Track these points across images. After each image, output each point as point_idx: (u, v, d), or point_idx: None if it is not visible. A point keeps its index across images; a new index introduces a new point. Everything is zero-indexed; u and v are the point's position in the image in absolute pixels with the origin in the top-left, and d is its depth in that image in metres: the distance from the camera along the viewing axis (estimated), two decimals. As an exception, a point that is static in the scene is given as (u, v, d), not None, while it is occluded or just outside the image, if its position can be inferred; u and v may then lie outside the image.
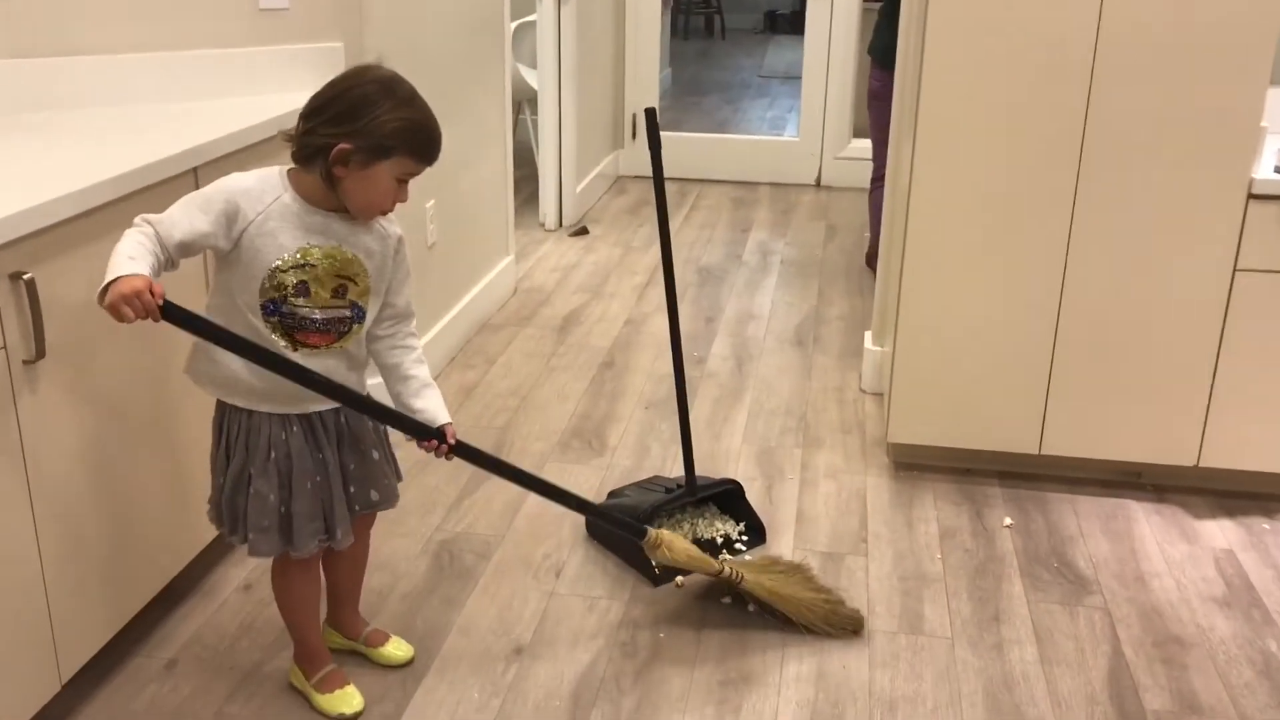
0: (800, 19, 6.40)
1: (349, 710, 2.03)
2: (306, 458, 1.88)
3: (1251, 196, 2.56)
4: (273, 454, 1.86)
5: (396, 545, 2.58)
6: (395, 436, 2.03)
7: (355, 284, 1.84)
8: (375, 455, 1.99)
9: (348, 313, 1.84)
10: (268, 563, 2.46)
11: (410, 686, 2.13)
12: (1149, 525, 2.70)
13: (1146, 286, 2.67)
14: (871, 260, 4.41)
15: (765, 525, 2.65)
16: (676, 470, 2.75)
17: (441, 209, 3.46)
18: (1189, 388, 2.72)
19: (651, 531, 2.22)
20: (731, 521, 2.64)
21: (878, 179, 4.21)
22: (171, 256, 1.75)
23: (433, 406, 1.94)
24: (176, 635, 2.26)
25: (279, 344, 1.81)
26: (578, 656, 2.23)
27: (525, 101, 5.68)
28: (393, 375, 1.95)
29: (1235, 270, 2.62)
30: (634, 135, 6.00)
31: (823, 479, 2.92)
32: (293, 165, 1.81)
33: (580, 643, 2.27)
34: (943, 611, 2.38)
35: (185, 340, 1.84)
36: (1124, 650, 2.26)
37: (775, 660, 2.22)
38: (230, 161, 2.33)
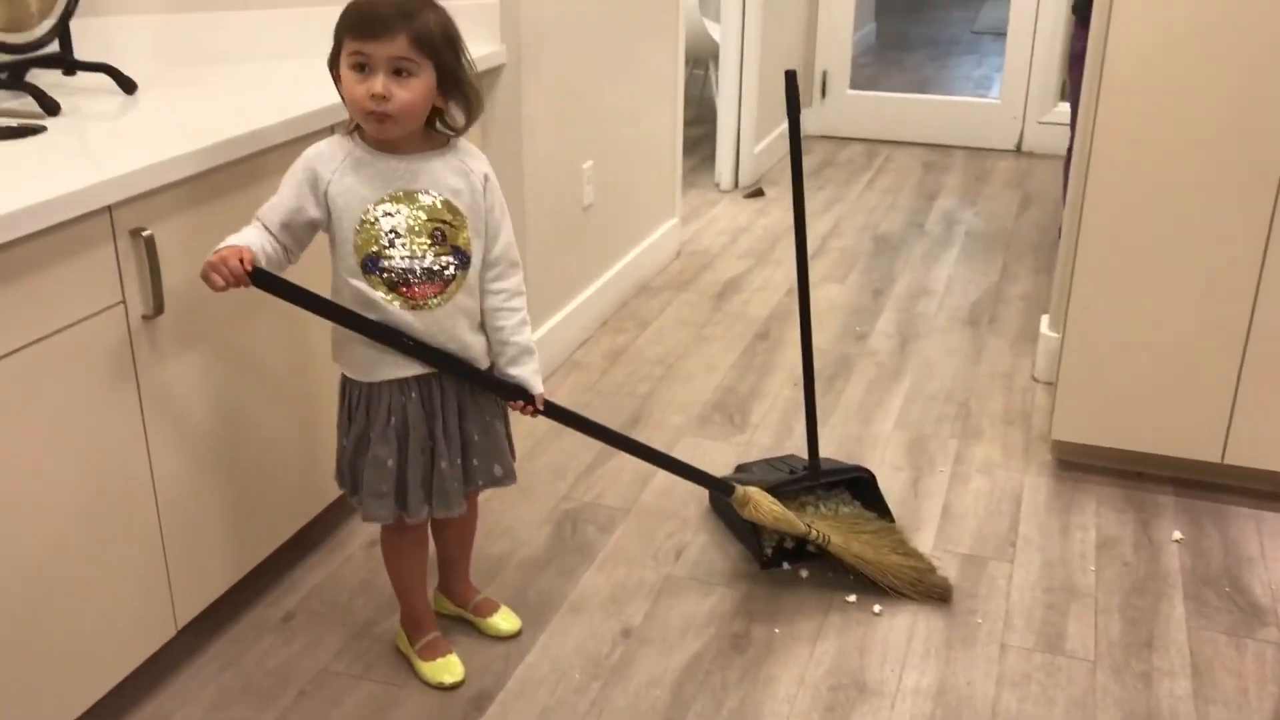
0: (1013, -29, 5.99)
1: (449, 679, 2.02)
2: (422, 425, 1.85)
3: None
4: (391, 419, 1.84)
5: (521, 512, 2.56)
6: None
7: (452, 227, 1.78)
8: (499, 427, 1.96)
9: (450, 259, 1.79)
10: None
11: (513, 660, 2.11)
12: (1346, 552, 2.41)
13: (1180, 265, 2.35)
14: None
15: (904, 520, 2.49)
16: (821, 451, 2.62)
17: (600, 169, 3.40)
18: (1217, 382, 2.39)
19: (739, 489, 2.22)
20: (862, 509, 2.49)
21: (1072, 148, 3.90)
22: (283, 243, 1.79)
23: (526, 374, 1.90)
24: (299, 587, 2.31)
25: (389, 303, 1.78)
26: (686, 645, 2.15)
27: (710, 59, 5.56)
28: (494, 339, 1.90)
29: None
30: (823, 94, 5.79)
31: (976, 474, 2.73)
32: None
33: (691, 630, 2.19)
34: (1088, 630, 2.18)
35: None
36: None
37: (894, 669, 2.08)
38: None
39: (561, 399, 3.01)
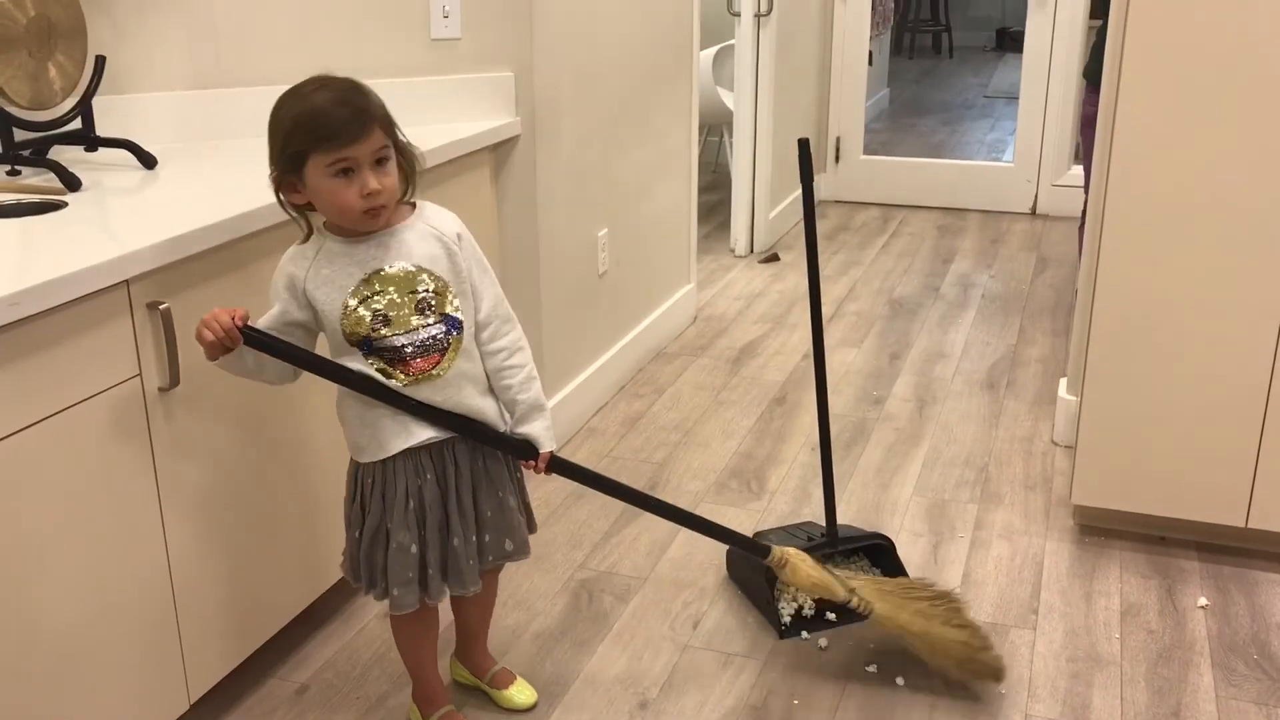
0: (1022, 37, 6.05)
1: None
2: (439, 505, 1.83)
3: None
4: (410, 504, 1.81)
5: (537, 581, 2.54)
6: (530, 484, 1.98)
7: (436, 295, 1.75)
8: (512, 502, 1.92)
9: (441, 327, 1.76)
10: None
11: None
12: (1377, 618, 2.36)
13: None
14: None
15: (924, 587, 2.46)
16: (839, 517, 2.59)
17: (615, 237, 3.42)
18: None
19: (775, 549, 2.14)
20: (881, 577, 2.46)
21: (1086, 210, 3.91)
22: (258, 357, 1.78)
23: (536, 430, 1.86)
24: (312, 659, 2.29)
25: (393, 382, 1.76)
26: (704, 717, 2.12)
27: (725, 126, 5.62)
28: (504, 400, 1.87)
29: None
30: (837, 159, 5.83)
31: (996, 539, 2.70)
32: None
33: (709, 703, 2.16)
34: (1114, 700, 2.13)
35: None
36: None
37: (916, 740, 2.04)
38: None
39: (577, 466, 3.01)
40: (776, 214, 5.11)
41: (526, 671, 2.22)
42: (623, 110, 3.43)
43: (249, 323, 1.72)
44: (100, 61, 2.40)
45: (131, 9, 2.57)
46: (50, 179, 2.19)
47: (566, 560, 2.63)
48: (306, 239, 1.76)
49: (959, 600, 2.23)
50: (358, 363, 1.76)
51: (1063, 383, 3.22)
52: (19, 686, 1.65)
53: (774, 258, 4.91)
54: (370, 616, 2.42)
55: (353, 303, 1.72)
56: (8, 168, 2.24)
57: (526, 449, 1.86)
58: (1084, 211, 4.03)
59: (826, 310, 4.25)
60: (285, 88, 2.68)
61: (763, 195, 4.93)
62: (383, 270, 1.73)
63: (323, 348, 1.84)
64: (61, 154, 2.32)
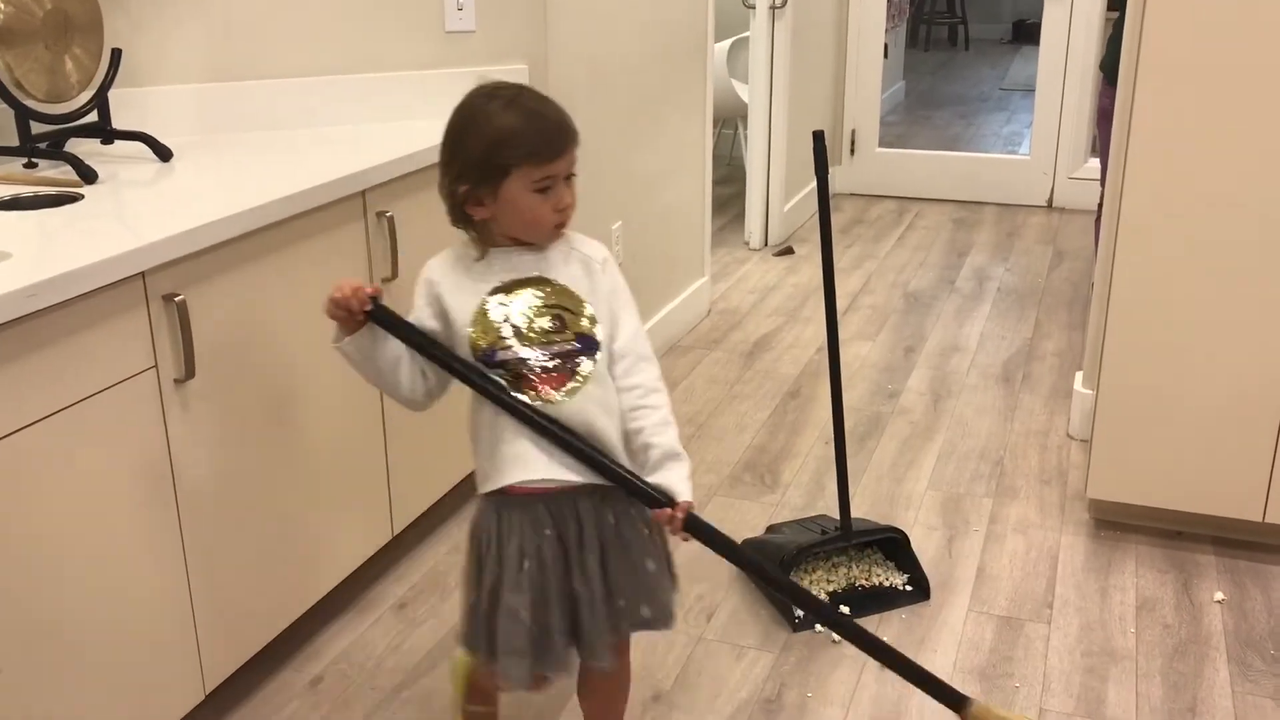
0: (1040, 29, 6.03)
1: None
2: (560, 565, 1.64)
3: None
4: (525, 564, 1.63)
5: (551, 574, 2.54)
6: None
7: (572, 312, 1.62)
8: (650, 566, 1.71)
9: (575, 344, 1.61)
10: (426, 580, 2.50)
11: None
12: (1395, 613, 2.34)
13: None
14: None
15: (939, 581, 2.46)
16: (853, 511, 2.59)
17: (630, 230, 3.42)
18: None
19: (975, 705, 1.80)
20: (895, 571, 2.46)
21: (1103, 203, 3.88)
22: (379, 346, 1.65)
23: (672, 480, 1.61)
24: (326, 651, 2.30)
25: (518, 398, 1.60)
26: (718, 709, 2.12)
27: (740, 119, 5.60)
28: (635, 443, 1.64)
29: None
30: (852, 152, 5.81)
31: (1011, 533, 2.69)
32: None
33: (722, 694, 2.16)
34: (1129, 695, 2.12)
35: (332, 356, 1.85)
36: None
37: (930, 734, 2.04)
38: (401, 185, 2.37)
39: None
40: (791, 207, 5.10)
41: (540, 663, 2.22)
42: (637, 103, 3.42)
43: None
44: (116, 55, 2.40)
45: (148, 2, 2.58)
46: (67, 171, 2.20)
47: (580, 553, 2.63)
48: (482, 256, 1.63)
49: None
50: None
51: (1078, 376, 3.20)
52: (35, 677, 1.66)
53: (788, 251, 4.90)
54: (385, 607, 2.43)
55: (484, 309, 1.61)
56: (25, 160, 2.25)
57: (661, 497, 1.61)
58: (1100, 204, 4.01)
59: (841, 303, 4.24)
60: (298, 79, 2.66)
61: (777, 188, 4.92)
62: (520, 280, 1.62)
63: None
64: (78, 146, 2.32)
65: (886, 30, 5.86)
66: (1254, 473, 2.47)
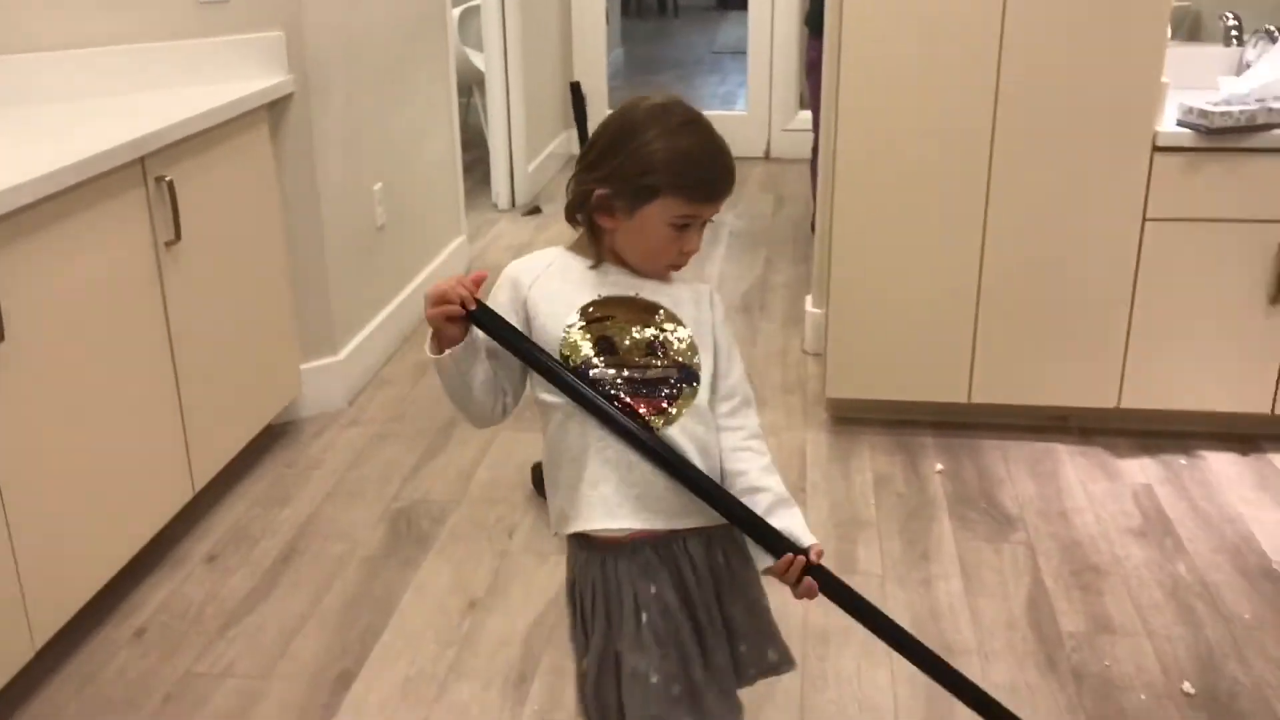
0: (745, -6, 6.49)
1: None
2: (684, 616, 1.46)
3: (1156, 149, 2.70)
4: (643, 616, 1.44)
5: (354, 515, 2.69)
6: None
7: (672, 340, 1.46)
8: (765, 603, 1.55)
9: (674, 373, 1.44)
10: (232, 534, 2.59)
11: (368, 641, 2.24)
12: (1073, 466, 2.84)
13: (1063, 239, 2.80)
14: (815, 228, 4.52)
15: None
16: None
17: (389, 191, 3.55)
18: (1108, 333, 2.86)
19: None
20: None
21: (817, 148, 4.32)
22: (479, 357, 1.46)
23: (792, 526, 1.45)
24: (145, 605, 2.36)
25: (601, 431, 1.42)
26: (530, 608, 2.34)
27: (474, 85, 5.76)
28: (738, 485, 1.46)
29: (1145, 220, 2.76)
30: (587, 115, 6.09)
31: (766, 436, 3.04)
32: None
33: (532, 595, 2.39)
34: (875, 553, 2.51)
35: (102, 338, 1.93)
36: (1044, 580, 2.40)
37: (716, 604, 2.34)
38: (179, 149, 2.43)
39: (372, 415, 3.19)
40: (535, 167, 5.33)
41: (357, 591, 2.39)
42: (387, 68, 3.55)
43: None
44: None
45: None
46: None
47: (380, 494, 2.78)
48: (596, 266, 1.48)
49: None
50: (562, 397, 1.43)
51: (808, 299, 3.61)
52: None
53: (537, 210, 5.13)
54: (195, 562, 2.51)
55: (577, 322, 1.44)
56: None
57: (784, 543, 1.43)
58: (814, 150, 4.47)
59: (591, 254, 4.51)
60: (53, 53, 2.63)
61: (520, 149, 5.13)
62: (623, 298, 1.46)
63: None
64: None
65: (606, -3, 6.16)
66: (958, 362, 2.93)
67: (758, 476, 1.46)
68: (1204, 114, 2.65)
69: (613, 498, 1.42)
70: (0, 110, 2.58)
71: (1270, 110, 2.64)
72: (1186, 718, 2.02)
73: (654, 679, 1.43)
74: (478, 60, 5.33)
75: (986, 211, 2.79)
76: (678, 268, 1.50)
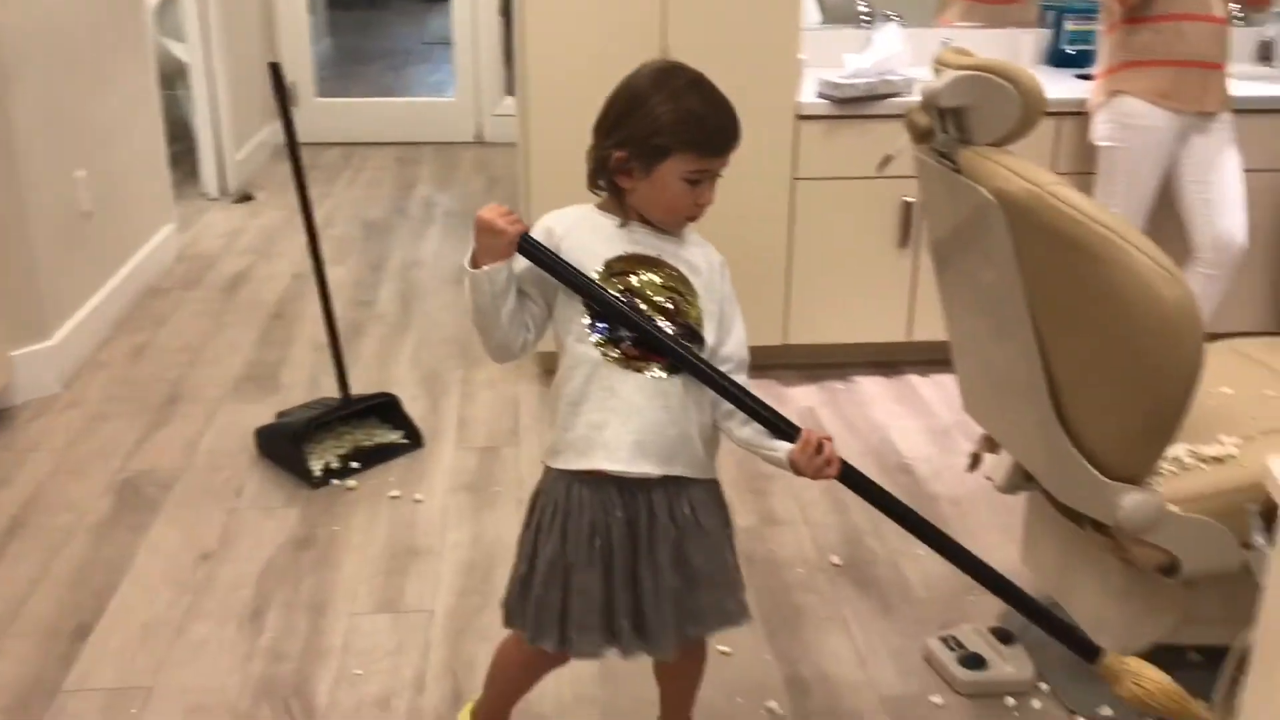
0: (449, -15, 6.69)
1: None
2: (628, 551, 1.62)
3: (799, 118, 3.14)
4: (596, 540, 1.61)
5: (77, 488, 2.75)
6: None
7: (687, 302, 1.60)
8: (729, 559, 1.70)
9: (682, 332, 1.59)
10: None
11: (104, 597, 2.34)
12: (749, 396, 3.25)
13: (729, 199, 3.13)
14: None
15: (429, 432, 3.01)
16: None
17: (95, 179, 3.56)
18: (772, 280, 3.28)
19: (1109, 657, 1.80)
20: (392, 430, 2.98)
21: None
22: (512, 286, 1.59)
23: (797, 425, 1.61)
24: None
25: (608, 360, 1.57)
26: (260, 554, 2.51)
27: (177, 76, 5.70)
28: (736, 417, 1.62)
29: (794, 179, 3.20)
30: (294, 103, 6.12)
31: (482, 390, 3.31)
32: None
33: (262, 543, 2.55)
34: (579, 480, 2.82)
35: None
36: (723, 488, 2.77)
37: (439, 535, 2.58)
38: None
39: (90, 396, 3.23)
40: (243, 156, 5.36)
41: (83, 558, 2.47)
42: (85, 57, 3.56)
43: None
44: None
45: None
46: None
47: (104, 469, 2.85)
48: (624, 224, 1.61)
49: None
50: (586, 345, 1.58)
51: (517, 268, 3.89)
52: None
53: (248, 197, 5.16)
54: (-88, 545, 2.52)
55: (605, 272, 1.58)
56: None
57: (796, 428, 1.60)
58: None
59: (305, 239, 4.61)
60: None
61: (228, 138, 5.15)
62: (644, 255, 1.60)
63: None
64: None
65: (310, -13, 6.22)
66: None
67: (760, 440, 1.61)
68: (835, 86, 3.11)
69: (614, 439, 1.57)
70: None
71: (887, 81, 3.12)
72: (834, 582, 2.43)
73: (598, 596, 1.61)
74: (179, 51, 5.28)
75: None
76: (694, 219, 1.62)
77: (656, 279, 1.59)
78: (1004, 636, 2.18)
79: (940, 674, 2.15)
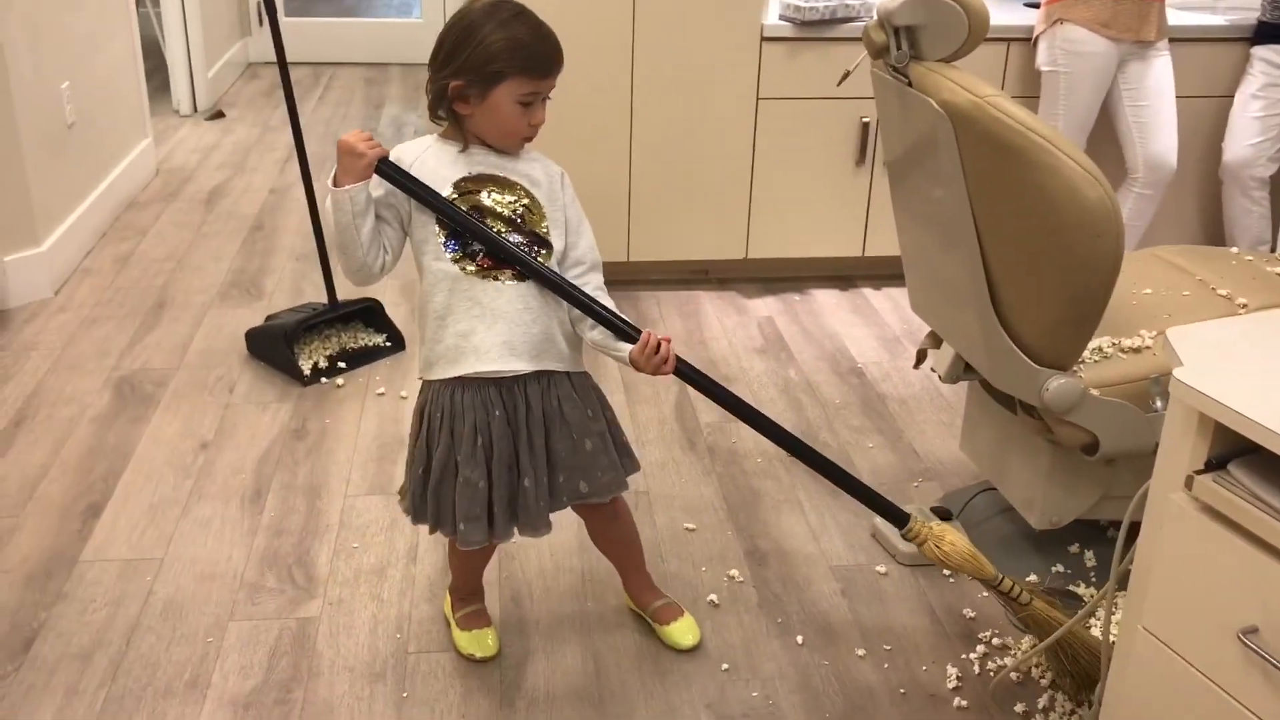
0: (414, -94, 6.70)
1: (480, 653, 2.03)
2: (507, 442, 1.81)
3: (764, 39, 3.29)
4: (479, 439, 1.79)
5: (77, 384, 2.90)
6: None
7: (530, 213, 1.78)
8: (588, 445, 1.86)
9: (530, 241, 1.77)
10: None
11: (110, 481, 2.51)
12: (712, 307, 3.45)
13: (695, 120, 3.35)
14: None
15: (408, 335, 3.17)
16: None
17: (76, 90, 3.65)
18: (735, 196, 3.46)
19: (915, 521, 2.01)
20: (376, 334, 3.14)
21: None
22: (371, 207, 1.75)
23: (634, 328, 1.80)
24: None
25: (465, 273, 1.75)
26: (258, 443, 2.68)
27: (145, -8, 5.73)
28: (590, 336, 1.82)
29: (758, 99, 3.36)
30: (260, 23, 6.17)
31: (457, 300, 3.46)
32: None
33: (258, 434, 2.72)
34: (554, 380, 3.00)
35: None
36: (687, 389, 2.95)
37: (422, 428, 2.77)
38: None
39: (80, 301, 3.36)
40: (214, 73, 5.41)
41: (90, 443, 2.63)
42: (64, -32, 3.62)
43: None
44: None
45: None
46: None
47: (100, 366, 3.00)
48: (465, 149, 1.77)
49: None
50: (443, 262, 1.75)
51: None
52: None
53: (220, 114, 5.24)
54: (-77, 434, 2.66)
55: (451, 195, 1.74)
56: None
57: (636, 329, 1.79)
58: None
59: (281, 154, 4.73)
60: None
61: (199, 56, 5.21)
62: (490, 175, 1.77)
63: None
64: None
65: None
66: (618, 227, 3.45)
67: (605, 305, 1.80)
68: (798, 9, 3.26)
69: (482, 344, 1.76)
70: None
71: (847, 5, 3.28)
72: (790, 471, 2.64)
73: (480, 484, 1.81)
74: (147, -34, 5.32)
75: (632, 101, 3.31)
76: (529, 139, 1.79)
77: (502, 195, 1.76)
78: (943, 515, 2.40)
79: (885, 547, 2.37)
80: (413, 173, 1.74)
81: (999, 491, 2.35)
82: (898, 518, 2.03)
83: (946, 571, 2.29)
